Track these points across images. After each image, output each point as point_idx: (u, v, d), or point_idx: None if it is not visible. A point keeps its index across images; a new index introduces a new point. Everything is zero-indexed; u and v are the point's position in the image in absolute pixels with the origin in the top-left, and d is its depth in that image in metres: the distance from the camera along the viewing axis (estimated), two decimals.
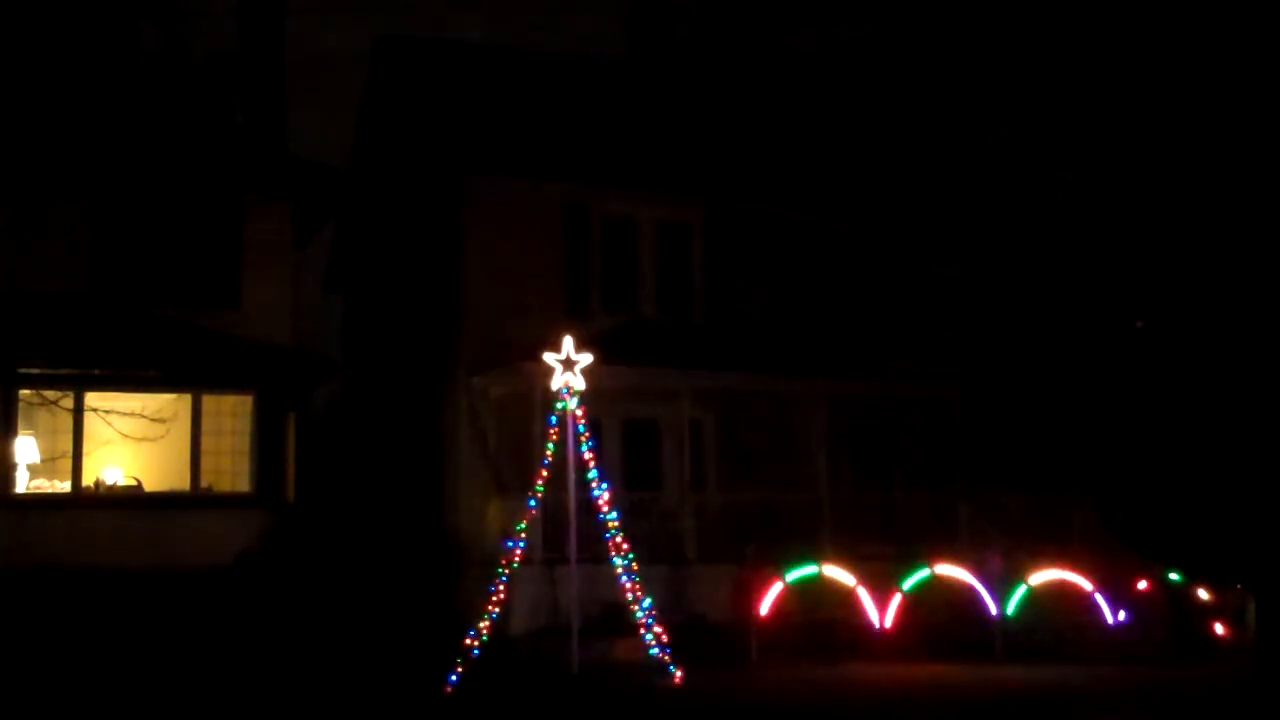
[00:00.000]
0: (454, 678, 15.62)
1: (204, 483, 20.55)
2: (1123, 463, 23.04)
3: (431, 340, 23.37)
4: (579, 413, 16.46)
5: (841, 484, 21.89)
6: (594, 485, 16.52)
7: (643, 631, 16.15)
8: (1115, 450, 23.15)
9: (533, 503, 16.82)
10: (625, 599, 16.34)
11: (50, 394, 19.69)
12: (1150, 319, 23.80)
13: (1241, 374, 23.36)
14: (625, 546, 16.37)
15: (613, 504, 16.76)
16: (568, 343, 16.66)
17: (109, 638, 17.61)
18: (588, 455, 16.55)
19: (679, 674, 15.97)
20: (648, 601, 16.27)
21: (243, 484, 20.65)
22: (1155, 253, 24.17)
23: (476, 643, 16.02)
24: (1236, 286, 23.45)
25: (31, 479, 20.10)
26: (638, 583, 16.31)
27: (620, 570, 16.24)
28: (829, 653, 18.52)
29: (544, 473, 16.72)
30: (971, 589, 19.92)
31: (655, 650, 16.07)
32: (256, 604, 18.81)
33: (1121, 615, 20.37)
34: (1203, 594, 20.79)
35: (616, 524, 16.49)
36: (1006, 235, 24.31)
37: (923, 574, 19.84)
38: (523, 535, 16.75)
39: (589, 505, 16.81)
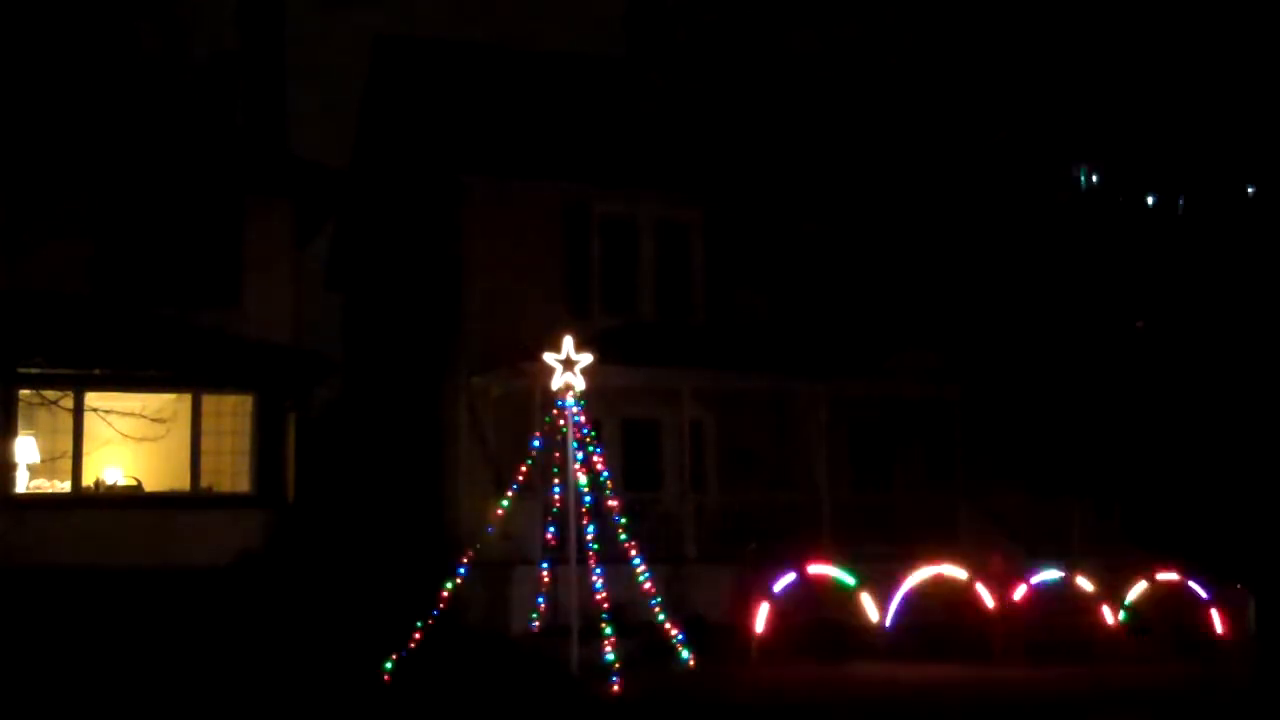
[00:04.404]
0: (403, 652, 16.13)
1: (204, 483, 20.55)
2: (1123, 462, 23.06)
3: (431, 340, 23.37)
4: (576, 410, 16.51)
5: (841, 484, 21.89)
6: (607, 485, 16.76)
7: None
8: (1115, 450, 23.16)
9: (514, 487, 16.94)
10: (626, 599, 16.43)
11: (50, 394, 19.72)
12: (1150, 319, 23.80)
13: (1241, 374, 23.37)
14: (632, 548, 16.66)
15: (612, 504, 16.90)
16: (568, 343, 16.68)
17: (109, 638, 17.60)
18: (596, 456, 16.73)
19: (692, 660, 16.42)
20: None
21: (243, 484, 20.66)
22: (1155, 253, 24.18)
23: (431, 622, 16.42)
24: (1236, 286, 23.45)
25: (31, 479, 20.11)
26: (642, 582, 16.55)
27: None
28: (829, 652, 18.50)
29: (523, 468, 16.88)
30: (972, 589, 19.91)
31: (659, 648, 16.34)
32: (256, 603, 18.81)
33: (1120, 615, 20.36)
34: (1202, 593, 20.77)
35: (622, 527, 16.74)
36: (1007, 235, 24.31)
37: (923, 573, 19.83)
38: (499, 516, 17.11)
39: (592, 505, 16.89)
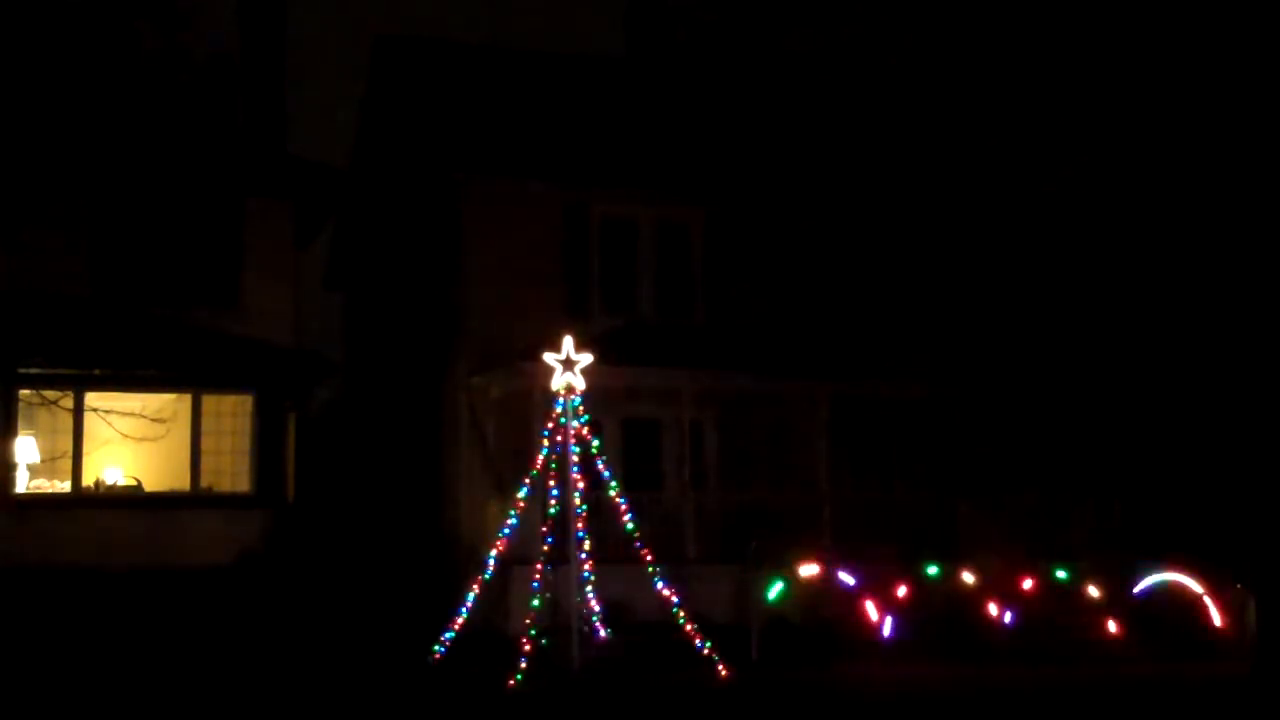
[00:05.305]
0: (440, 648, 16.62)
1: (204, 483, 20.55)
2: (1123, 461, 23.06)
3: (431, 340, 23.37)
4: (576, 410, 16.55)
5: (841, 484, 21.87)
6: (607, 484, 16.82)
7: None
8: (1116, 449, 23.17)
9: (524, 490, 16.97)
10: (626, 598, 16.47)
11: (50, 394, 19.71)
12: (1150, 319, 23.80)
13: (1240, 374, 23.37)
14: (642, 549, 16.73)
15: (614, 504, 16.93)
16: (568, 343, 16.69)
17: (109, 638, 17.61)
18: (596, 455, 16.77)
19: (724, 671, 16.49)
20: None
21: (243, 484, 20.65)
22: (1155, 251, 24.17)
23: (456, 624, 16.60)
24: (1237, 285, 23.45)
25: (31, 479, 20.11)
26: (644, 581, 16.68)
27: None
28: (830, 653, 18.51)
29: (535, 466, 16.89)
30: (972, 589, 19.92)
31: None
32: (257, 603, 18.81)
33: (1121, 615, 20.36)
34: (1202, 593, 20.77)
35: (628, 515, 16.83)
36: (1007, 234, 24.33)
37: (923, 574, 19.84)
38: (508, 522, 17.19)
39: (592, 505, 16.93)
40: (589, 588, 16.91)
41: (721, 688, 16.17)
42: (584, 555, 16.72)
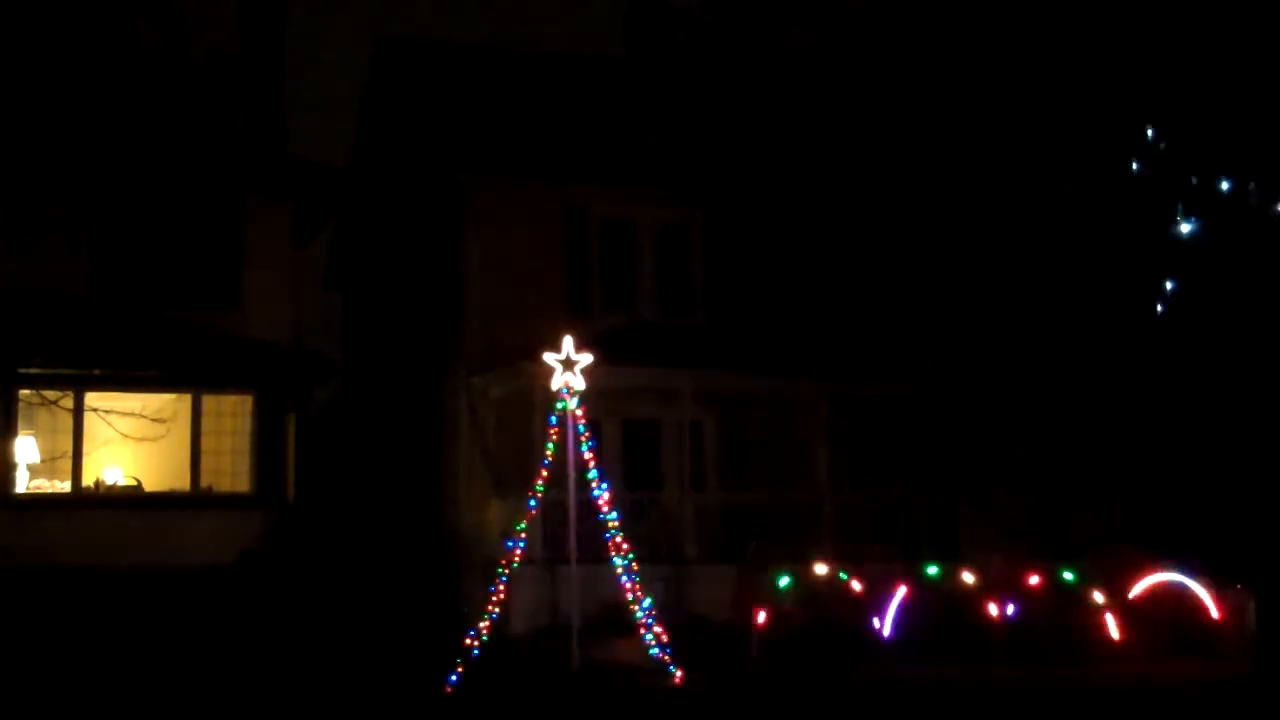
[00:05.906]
0: (454, 678, 15.73)
1: (204, 483, 20.55)
2: (1123, 462, 23.07)
3: (431, 340, 23.38)
4: (579, 413, 16.53)
5: (841, 484, 21.88)
6: (594, 485, 16.63)
7: (643, 631, 16.26)
8: (1116, 449, 23.17)
9: (533, 503, 16.92)
10: (625, 599, 16.41)
11: (50, 394, 19.71)
12: (1150, 318, 23.78)
13: (1242, 374, 23.37)
14: (626, 547, 16.52)
15: (613, 504, 16.86)
16: (568, 343, 16.69)
17: (109, 638, 17.61)
18: (588, 455, 16.66)
19: (679, 674, 16.04)
20: (648, 601, 16.44)
21: (243, 484, 20.66)
22: (1156, 251, 24.15)
23: (476, 642, 16.13)
24: (1238, 284, 23.43)
25: (31, 479, 20.11)
26: (638, 583, 16.46)
27: (620, 570, 16.36)
28: (829, 653, 18.51)
29: (544, 472, 16.82)
30: (972, 589, 19.92)
31: (655, 650, 16.17)
32: (257, 604, 18.82)
33: (1120, 615, 20.37)
34: (1202, 593, 20.78)
35: (617, 524, 16.63)
36: (1007, 234, 24.33)
37: (922, 574, 19.85)
38: (522, 535, 16.88)
39: (590, 505, 16.89)
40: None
41: (708, 691, 16.12)
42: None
